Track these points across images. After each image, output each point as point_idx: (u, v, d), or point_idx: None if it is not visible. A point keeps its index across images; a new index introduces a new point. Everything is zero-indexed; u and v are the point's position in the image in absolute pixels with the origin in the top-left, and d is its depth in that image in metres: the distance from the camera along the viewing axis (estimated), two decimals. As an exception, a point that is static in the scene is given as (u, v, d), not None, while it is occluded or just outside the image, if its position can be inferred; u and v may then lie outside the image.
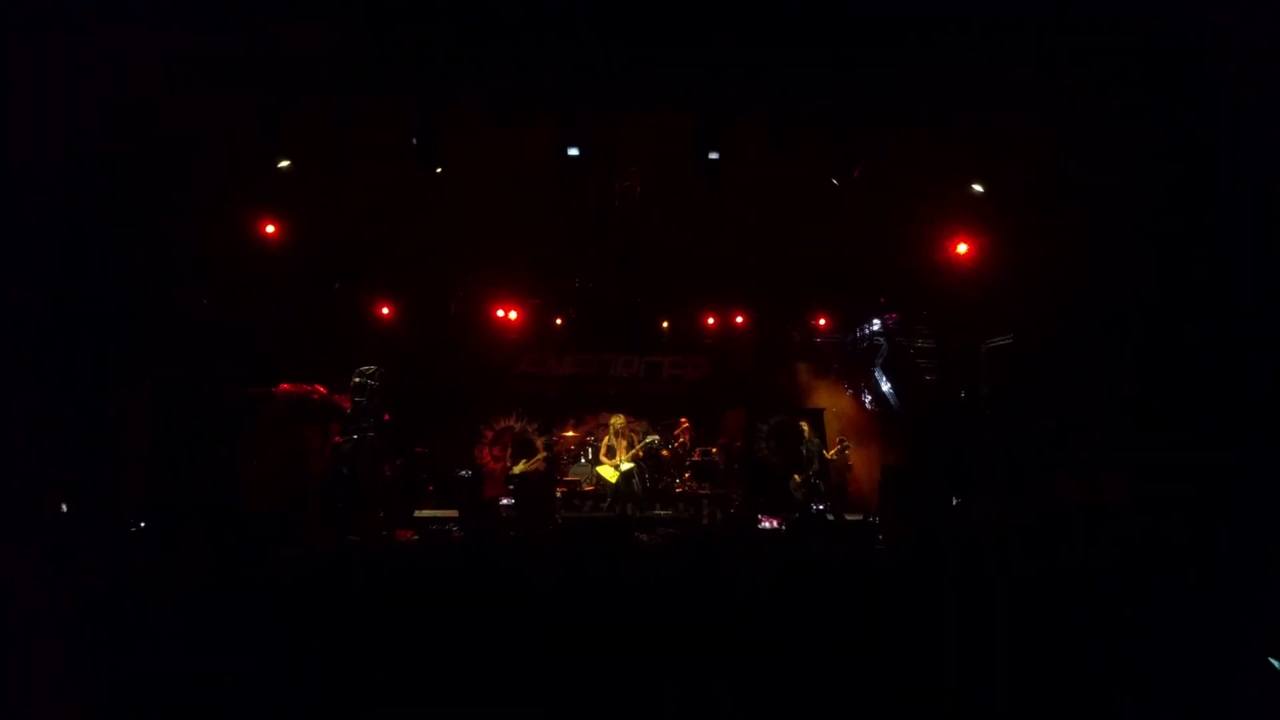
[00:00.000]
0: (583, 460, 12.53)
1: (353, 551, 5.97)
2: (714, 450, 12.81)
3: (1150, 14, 6.76)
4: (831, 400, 14.37)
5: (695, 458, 12.78)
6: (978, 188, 9.55)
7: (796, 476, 12.07)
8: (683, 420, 13.51)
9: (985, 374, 11.70)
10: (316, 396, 10.33)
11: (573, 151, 8.72)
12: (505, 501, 11.91)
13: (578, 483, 12.66)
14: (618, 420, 12.28)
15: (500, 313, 13.70)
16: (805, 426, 12.40)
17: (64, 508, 7.11)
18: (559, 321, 13.97)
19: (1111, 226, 8.33)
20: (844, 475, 12.84)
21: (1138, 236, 8.08)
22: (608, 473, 11.94)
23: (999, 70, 7.68)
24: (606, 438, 12.16)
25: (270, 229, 10.17)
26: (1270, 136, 6.41)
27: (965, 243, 10.53)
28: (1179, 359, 7.75)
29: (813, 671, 2.88)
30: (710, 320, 14.14)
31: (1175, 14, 6.63)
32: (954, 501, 10.52)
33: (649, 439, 12.42)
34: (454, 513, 10.58)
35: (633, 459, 11.92)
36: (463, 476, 11.66)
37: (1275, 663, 2.96)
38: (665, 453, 12.75)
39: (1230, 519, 6.09)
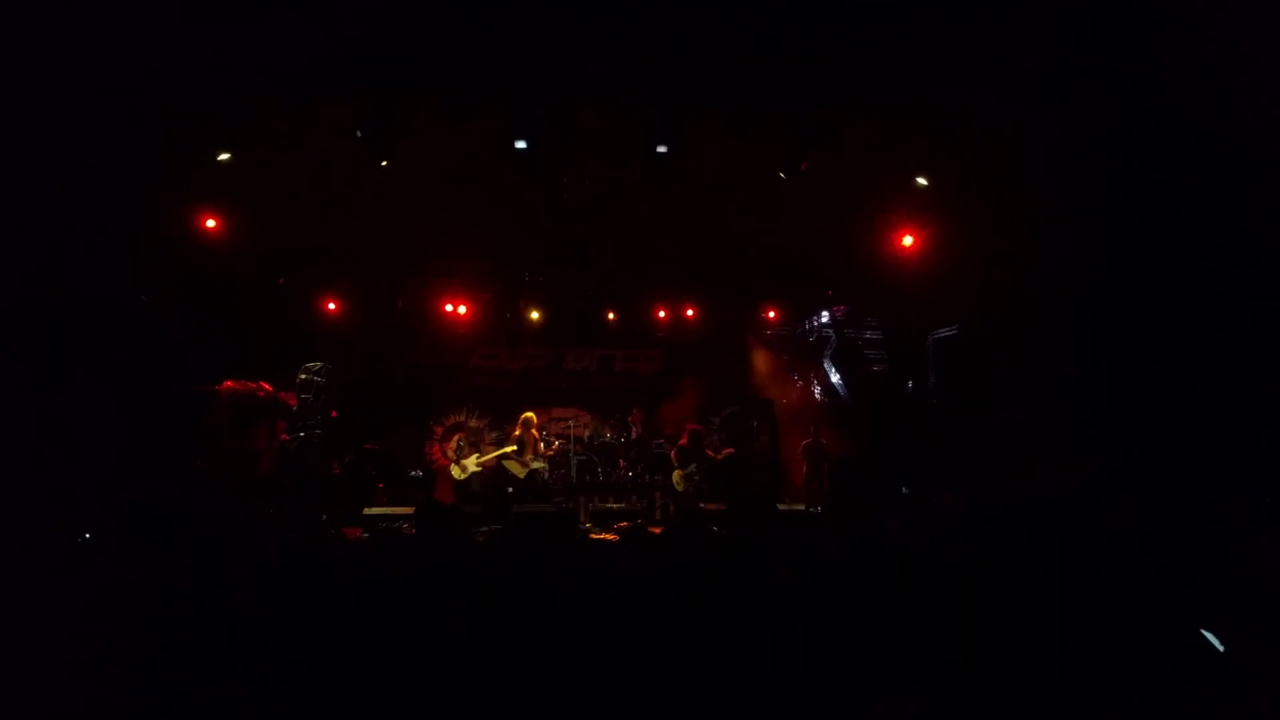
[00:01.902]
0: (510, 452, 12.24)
1: (295, 550, 5.88)
2: (662, 441, 12.82)
3: None
4: (782, 391, 14.51)
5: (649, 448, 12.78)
6: (922, 181, 9.72)
7: (679, 470, 11.94)
8: (636, 411, 13.48)
9: (932, 365, 11.92)
10: (261, 394, 10.17)
11: (520, 145, 8.65)
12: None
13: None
14: (530, 415, 12.01)
15: (449, 307, 13.56)
16: (699, 430, 12.33)
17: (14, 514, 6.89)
18: (509, 315, 13.88)
19: (1056, 219, 8.51)
20: (820, 466, 12.78)
21: (1085, 227, 8.25)
22: (514, 468, 11.75)
23: (948, 60, 7.75)
24: (518, 431, 11.87)
25: (212, 224, 9.95)
26: (1226, 120, 6.55)
27: (911, 235, 10.74)
28: (1130, 348, 7.91)
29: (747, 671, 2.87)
30: (662, 313, 14.17)
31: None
32: (903, 491, 10.71)
33: (562, 442, 12.28)
34: (406, 509, 10.40)
35: (544, 459, 11.77)
36: (414, 476, 11.55)
37: (1208, 636, 3.02)
38: (623, 439, 12.66)
39: (1188, 509, 6.20)
